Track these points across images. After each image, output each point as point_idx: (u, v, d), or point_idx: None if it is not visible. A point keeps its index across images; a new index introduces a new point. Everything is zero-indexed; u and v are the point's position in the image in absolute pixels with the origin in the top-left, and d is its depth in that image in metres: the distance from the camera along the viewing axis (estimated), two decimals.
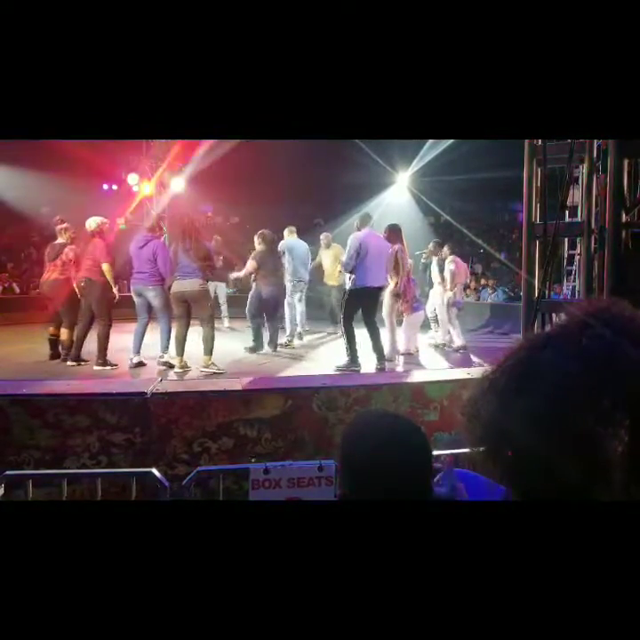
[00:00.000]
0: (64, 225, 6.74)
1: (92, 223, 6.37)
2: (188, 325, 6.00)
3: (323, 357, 6.98)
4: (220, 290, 9.92)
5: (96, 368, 6.12)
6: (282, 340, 7.62)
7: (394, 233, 6.51)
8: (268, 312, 7.19)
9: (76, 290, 6.35)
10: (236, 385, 4.00)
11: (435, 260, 8.43)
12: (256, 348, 7.22)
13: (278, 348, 7.29)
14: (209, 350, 5.92)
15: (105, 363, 6.13)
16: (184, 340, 5.97)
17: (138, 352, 6.13)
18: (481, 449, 0.63)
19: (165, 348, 6.11)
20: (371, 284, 5.84)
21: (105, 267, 6.15)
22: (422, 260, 8.97)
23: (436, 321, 8.56)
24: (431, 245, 8.62)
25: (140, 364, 6.08)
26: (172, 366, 5.97)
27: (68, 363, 6.25)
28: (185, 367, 5.88)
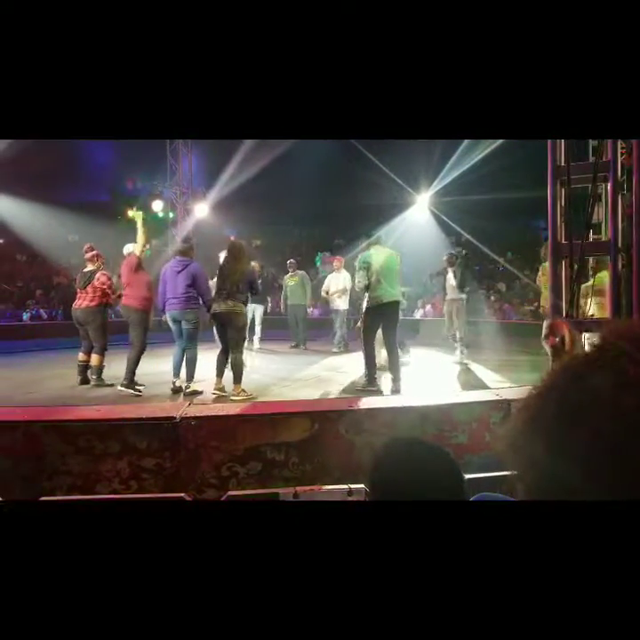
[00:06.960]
0: (93, 252, 6.90)
1: (133, 248, 6.60)
2: (226, 347, 5.93)
3: (346, 379, 6.98)
4: (258, 311, 10.15)
5: (120, 388, 6.20)
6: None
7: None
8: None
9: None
10: (263, 409, 4.01)
11: (451, 271, 8.52)
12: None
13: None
14: (238, 377, 5.75)
15: (130, 385, 6.22)
16: (222, 362, 5.93)
17: (178, 375, 6.19)
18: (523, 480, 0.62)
19: (191, 378, 6.10)
20: (382, 299, 5.92)
21: (146, 293, 6.37)
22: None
23: (456, 340, 8.53)
24: (445, 257, 8.76)
25: (182, 389, 6.11)
26: (199, 393, 5.96)
27: (120, 388, 6.22)
28: (222, 391, 5.82)
